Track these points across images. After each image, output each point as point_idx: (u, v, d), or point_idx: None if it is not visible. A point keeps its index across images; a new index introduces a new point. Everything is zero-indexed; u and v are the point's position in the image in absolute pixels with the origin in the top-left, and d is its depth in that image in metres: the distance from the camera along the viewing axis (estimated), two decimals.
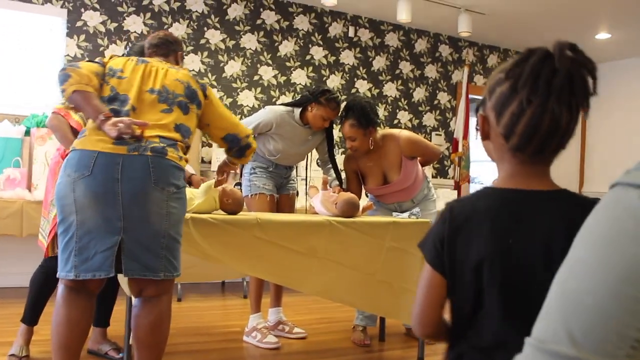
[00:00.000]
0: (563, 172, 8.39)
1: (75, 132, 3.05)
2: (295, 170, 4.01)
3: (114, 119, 2.30)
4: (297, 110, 3.69)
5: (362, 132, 3.56)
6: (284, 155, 3.71)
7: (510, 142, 1.19)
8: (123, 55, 3.07)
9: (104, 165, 2.29)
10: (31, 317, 3.10)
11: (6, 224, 4.26)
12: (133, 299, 2.55)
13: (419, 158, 3.75)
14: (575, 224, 0.91)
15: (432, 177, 6.99)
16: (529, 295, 1.12)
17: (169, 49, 2.77)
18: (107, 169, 2.28)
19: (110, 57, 2.60)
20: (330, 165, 3.87)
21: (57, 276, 2.38)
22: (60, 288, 2.39)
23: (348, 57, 6.76)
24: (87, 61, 2.56)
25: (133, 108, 2.43)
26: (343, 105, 3.67)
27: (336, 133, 6.48)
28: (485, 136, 1.26)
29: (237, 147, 2.80)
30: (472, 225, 1.20)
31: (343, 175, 3.85)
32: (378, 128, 3.69)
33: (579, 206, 1.12)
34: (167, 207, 2.35)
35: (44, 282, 3.03)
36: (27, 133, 4.75)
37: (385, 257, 3.29)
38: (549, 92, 1.11)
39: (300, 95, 3.92)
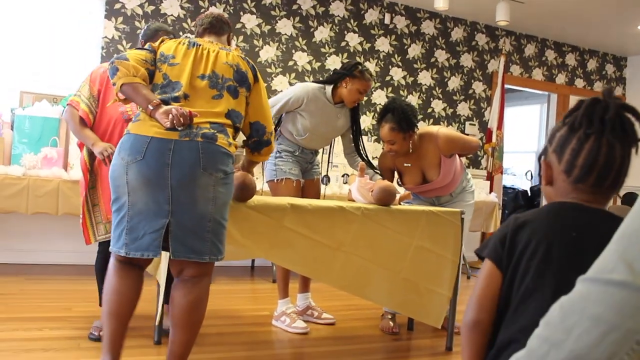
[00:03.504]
0: None
1: (83, 122, 3.12)
2: (327, 156, 3.99)
3: (165, 108, 2.34)
4: (329, 88, 3.67)
5: (402, 136, 3.52)
6: (311, 135, 3.69)
7: (572, 176, 1.31)
8: (140, 35, 3.09)
9: (156, 151, 2.33)
10: None
11: (43, 202, 4.34)
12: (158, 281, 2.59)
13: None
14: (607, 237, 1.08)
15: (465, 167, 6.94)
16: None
17: (223, 29, 2.75)
18: (159, 155, 2.33)
19: (161, 41, 2.60)
20: (355, 155, 3.84)
21: (109, 249, 2.47)
22: (112, 260, 2.49)
23: (383, 44, 6.72)
24: (137, 48, 2.60)
25: (185, 95, 2.45)
26: (382, 107, 3.64)
27: (368, 120, 6.46)
28: (548, 181, 1.38)
29: (257, 138, 2.74)
30: (535, 223, 1.33)
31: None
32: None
33: (614, 224, 1.25)
34: (215, 191, 2.38)
35: (102, 267, 3.10)
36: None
37: (412, 255, 3.28)
38: (603, 126, 1.24)
39: (331, 74, 3.88)
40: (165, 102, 2.40)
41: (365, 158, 3.80)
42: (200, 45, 2.57)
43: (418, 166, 3.65)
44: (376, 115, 6.52)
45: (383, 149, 3.72)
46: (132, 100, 2.49)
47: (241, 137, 2.73)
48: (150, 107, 2.35)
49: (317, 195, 3.89)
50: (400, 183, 3.88)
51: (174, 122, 2.29)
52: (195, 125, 2.38)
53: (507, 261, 1.32)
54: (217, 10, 2.88)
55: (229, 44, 2.79)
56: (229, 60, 2.56)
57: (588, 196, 1.31)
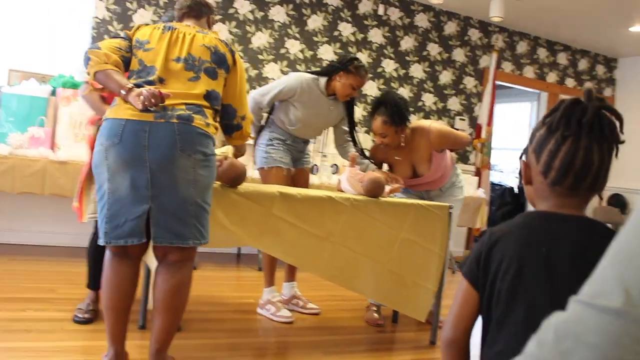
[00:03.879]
0: None
1: (102, 98, 3.09)
2: (318, 146, 3.98)
3: (136, 90, 2.31)
4: (323, 80, 3.65)
5: (394, 129, 3.51)
6: (303, 126, 3.68)
7: (549, 178, 1.30)
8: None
9: (132, 132, 2.32)
10: (94, 283, 3.22)
11: (29, 182, 4.29)
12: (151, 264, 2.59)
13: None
14: (581, 246, 1.19)
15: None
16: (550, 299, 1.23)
17: (202, 11, 2.75)
18: (135, 136, 2.32)
19: (137, 28, 2.60)
20: (346, 146, 3.84)
21: (96, 243, 2.50)
22: (106, 253, 2.50)
23: (376, 36, 6.70)
24: (112, 37, 2.59)
25: (160, 79, 2.45)
26: (375, 100, 3.63)
27: (359, 111, 6.45)
28: (527, 180, 1.38)
29: (227, 122, 2.71)
30: (507, 239, 1.32)
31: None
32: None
33: (590, 231, 1.28)
34: (194, 174, 2.37)
35: (95, 248, 3.09)
36: (53, 93, 4.77)
37: (399, 248, 3.29)
38: (581, 128, 1.24)
39: (326, 65, 3.86)
40: (140, 87, 2.37)
41: (360, 149, 3.79)
42: (175, 29, 2.56)
43: (409, 160, 3.65)
44: (367, 106, 6.52)
45: (373, 140, 3.72)
46: (106, 86, 2.46)
47: None
48: (123, 92, 2.34)
49: (306, 185, 3.88)
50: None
51: (145, 102, 2.27)
52: (171, 107, 2.36)
53: (483, 280, 1.33)
54: None
55: (209, 26, 2.78)
56: (206, 42, 2.55)
57: (565, 199, 1.30)
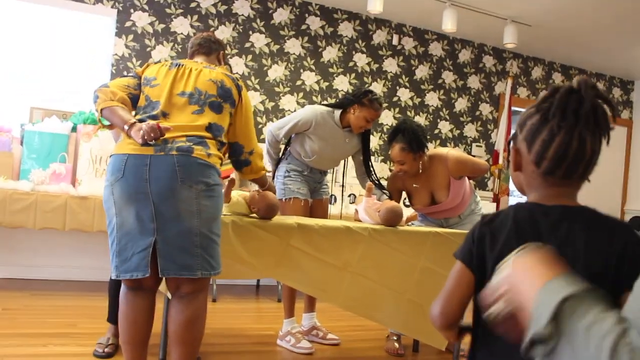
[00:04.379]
0: (606, 187, 8.20)
1: None
2: (332, 175, 4.00)
3: (138, 125, 2.36)
4: (338, 112, 3.68)
5: (412, 157, 3.52)
6: (319, 158, 3.71)
7: (541, 167, 1.28)
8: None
9: (133, 167, 2.37)
10: (114, 317, 3.23)
11: (50, 218, 4.35)
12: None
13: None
14: (594, 240, 1.17)
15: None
16: None
17: (211, 48, 2.83)
18: (136, 170, 2.36)
19: (147, 66, 2.68)
20: (365, 176, 3.85)
21: (111, 277, 2.53)
22: (122, 288, 2.53)
23: (391, 65, 6.75)
24: (122, 76, 2.68)
25: (163, 113, 2.49)
26: (392, 127, 3.64)
27: (375, 140, 6.48)
28: (516, 167, 1.36)
29: (235, 158, 2.77)
30: (501, 229, 1.31)
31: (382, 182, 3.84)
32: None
33: (599, 224, 1.26)
34: (198, 205, 2.39)
35: (115, 282, 3.11)
36: (74, 129, 4.85)
37: (418, 277, 3.27)
38: (577, 120, 1.23)
39: (341, 98, 3.90)
40: (142, 122, 2.41)
41: (376, 180, 3.80)
42: (182, 65, 2.62)
43: (427, 187, 3.65)
44: (383, 135, 6.55)
45: (390, 170, 3.73)
46: (112, 122, 2.52)
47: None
48: (126, 127, 2.39)
49: (325, 215, 3.89)
50: (408, 204, 3.88)
51: (145, 137, 2.30)
52: (171, 140, 2.39)
53: (478, 262, 1.33)
54: (207, 32, 2.93)
55: (220, 62, 2.84)
56: (213, 77, 2.60)
57: (557, 188, 1.29)
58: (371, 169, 3.84)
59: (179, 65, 2.62)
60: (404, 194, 3.86)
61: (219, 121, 2.57)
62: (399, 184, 3.75)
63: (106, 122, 2.56)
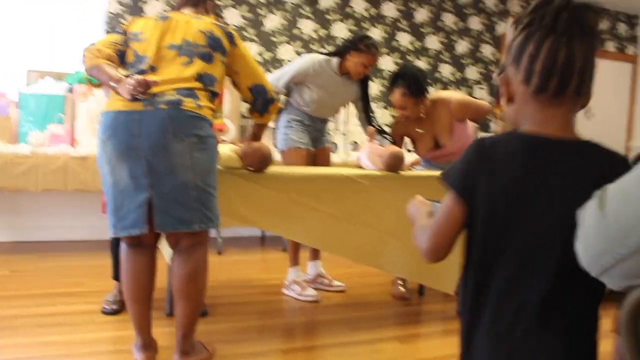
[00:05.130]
0: (610, 124, 8.11)
1: None
2: (335, 124, 3.97)
3: (125, 80, 2.32)
4: (335, 60, 3.65)
5: (414, 101, 3.47)
6: (318, 106, 3.68)
7: (531, 85, 1.20)
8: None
9: (123, 123, 2.34)
10: (119, 274, 3.24)
11: (51, 179, 4.35)
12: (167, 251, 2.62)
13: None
14: (599, 178, 1.08)
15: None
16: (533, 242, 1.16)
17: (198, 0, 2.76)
18: (126, 127, 2.33)
19: (133, 21, 2.63)
20: (364, 121, 3.83)
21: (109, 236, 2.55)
22: (121, 246, 2.54)
23: (389, 10, 6.61)
24: (108, 32, 2.61)
25: (151, 67, 2.45)
26: (393, 72, 3.59)
27: (376, 87, 6.40)
28: (509, 97, 1.27)
29: (262, 99, 2.75)
30: (497, 164, 1.21)
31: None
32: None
33: (604, 160, 1.17)
34: (191, 157, 2.36)
35: (117, 240, 3.13)
36: (70, 90, 4.81)
37: None
38: (563, 29, 1.16)
39: (339, 46, 3.84)
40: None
41: (377, 125, 3.77)
42: (170, 17, 2.57)
43: (430, 132, 3.61)
44: (383, 81, 6.46)
45: (392, 116, 3.71)
46: (99, 80, 2.47)
47: (244, 105, 2.71)
48: (113, 84, 2.35)
49: (327, 163, 3.88)
50: (410, 149, 3.85)
51: (132, 92, 2.27)
52: (160, 93, 2.36)
53: (471, 197, 1.23)
54: None
55: (208, 12, 2.78)
56: (201, 28, 2.55)
57: (551, 110, 1.20)
58: (372, 114, 3.81)
59: (166, 18, 2.56)
60: (405, 140, 3.82)
61: (210, 70, 2.52)
62: (402, 130, 3.71)
63: (95, 81, 2.53)
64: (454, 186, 1.26)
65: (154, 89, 2.33)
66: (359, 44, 3.56)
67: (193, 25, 2.55)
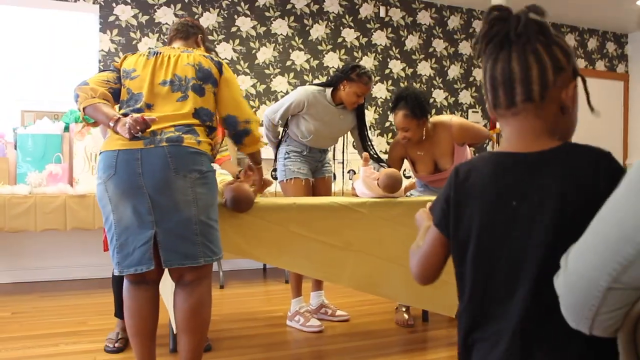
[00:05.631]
0: (606, 143, 8.18)
1: None
2: (332, 153, 3.99)
3: (123, 119, 2.32)
4: (329, 90, 3.66)
5: (416, 123, 3.49)
6: (316, 137, 3.69)
7: (489, 105, 1.27)
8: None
9: (124, 162, 2.34)
10: (121, 311, 3.25)
11: (51, 219, 4.35)
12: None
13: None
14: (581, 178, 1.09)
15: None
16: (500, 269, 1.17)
17: (189, 32, 2.78)
18: (128, 166, 2.34)
19: (124, 58, 2.63)
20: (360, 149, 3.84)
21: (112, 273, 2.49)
22: (124, 282, 2.53)
23: (380, 38, 6.69)
24: (101, 71, 2.62)
25: (147, 105, 2.46)
26: (393, 93, 3.63)
27: (370, 115, 6.44)
28: (492, 126, 1.33)
29: (233, 131, 2.67)
30: (473, 192, 1.24)
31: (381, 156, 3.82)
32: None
33: (580, 162, 1.13)
34: (194, 193, 2.38)
35: (120, 277, 3.11)
36: (67, 129, 4.83)
37: None
38: (496, 47, 1.21)
39: (331, 76, 3.88)
40: (127, 116, 2.36)
41: (374, 153, 3.78)
42: (160, 53, 2.58)
43: (430, 155, 3.63)
44: (378, 109, 6.51)
45: (388, 143, 3.73)
46: (96, 120, 2.49)
47: None
48: (111, 124, 2.35)
49: (328, 193, 3.89)
50: (408, 175, 3.87)
51: (132, 130, 2.27)
52: (159, 131, 2.37)
53: (454, 226, 1.26)
54: (185, 17, 2.86)
55: (198, 45, 2.79)
56: (190, 61, 2.56)
57: (513, 123, 1.21)
58: (368, 142, 3.83)
59: (157, 54, 2.57)
60: (404, 164, 3.83)
61: (205, 104, 2.53)
62: (401, 152, 3.72)
63: (91, 120, 2.53)
64: (434, 221, 1.32)
65: (153, 127, 2.34)
66: (351, 73, 3.58)
67: (183, 59, 2.56)
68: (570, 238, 1.03)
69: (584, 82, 1.22)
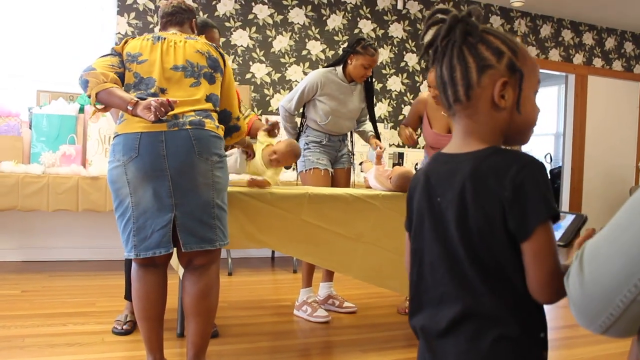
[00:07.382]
0: (620, 144, 8.07)
1: None
2: (349, 144, 4.00)
3: (144, 103, 2.32)
4: (339, 68, 3.75)
5: None
6: (334, 119, 3.74)
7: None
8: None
9: (149, 144, 2.35)
10: (131, 294, 3.24)
11: (63, 200, 4.38)
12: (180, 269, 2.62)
13: None
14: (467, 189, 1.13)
15: None
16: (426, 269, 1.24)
17: (183, 17, 2.73)
18: (152, 148, 2.35)
19: (125, 42, 2.60)
20: (364, 121, 3.97)
21: (123, 256, 2.53)
22: (133, 265, 2.54)
23: (397, 30, 6.67)
24: (102, 56, 2.58)
25: (161, 89, 2.46)
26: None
27: (384, 107, 6.42)
28: None
29: (225, 126, 2.70)
30: (414, 192, 1.31)
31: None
32: None
33: (489, 169, 1.14)
34: (213, 176, 2.42)
35: (131, 260, 3.14)
36: (82, 110, 4.85)
37: None
38: (434, 57, 1.25)
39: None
40: (144, 99, 2.37)
41: (375, 130, 3.93)
42: (165, 38, 2.56)
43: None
44: (392, 102, 6.49)
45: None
46: (110, 105, 2.45)
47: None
48: (129, 107, 2.33)
49: (347, 184, 3.94)
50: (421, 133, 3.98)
51: (157, 114, 2.28)
52: (181, 115, 2.40)
53: (407, 223, 1.35)
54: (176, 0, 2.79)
55: (193, 31, 2.77)
56: (199, 48, 2.57)
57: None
58: (373, 116, 3.94)
59: (162, 39, 2.56)
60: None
61: (214, 91, 2.57)
62: (422, 110, 3.83)
63: (100, 105, 2.50)
64: (405, 224, 1.37)
65: (174, 111, 2.35)
66: (357, 46, 3.67)
67: (190, 45, 2.56)
68: (472, 239, 1.11)
69: (521, 78, 1.18)
